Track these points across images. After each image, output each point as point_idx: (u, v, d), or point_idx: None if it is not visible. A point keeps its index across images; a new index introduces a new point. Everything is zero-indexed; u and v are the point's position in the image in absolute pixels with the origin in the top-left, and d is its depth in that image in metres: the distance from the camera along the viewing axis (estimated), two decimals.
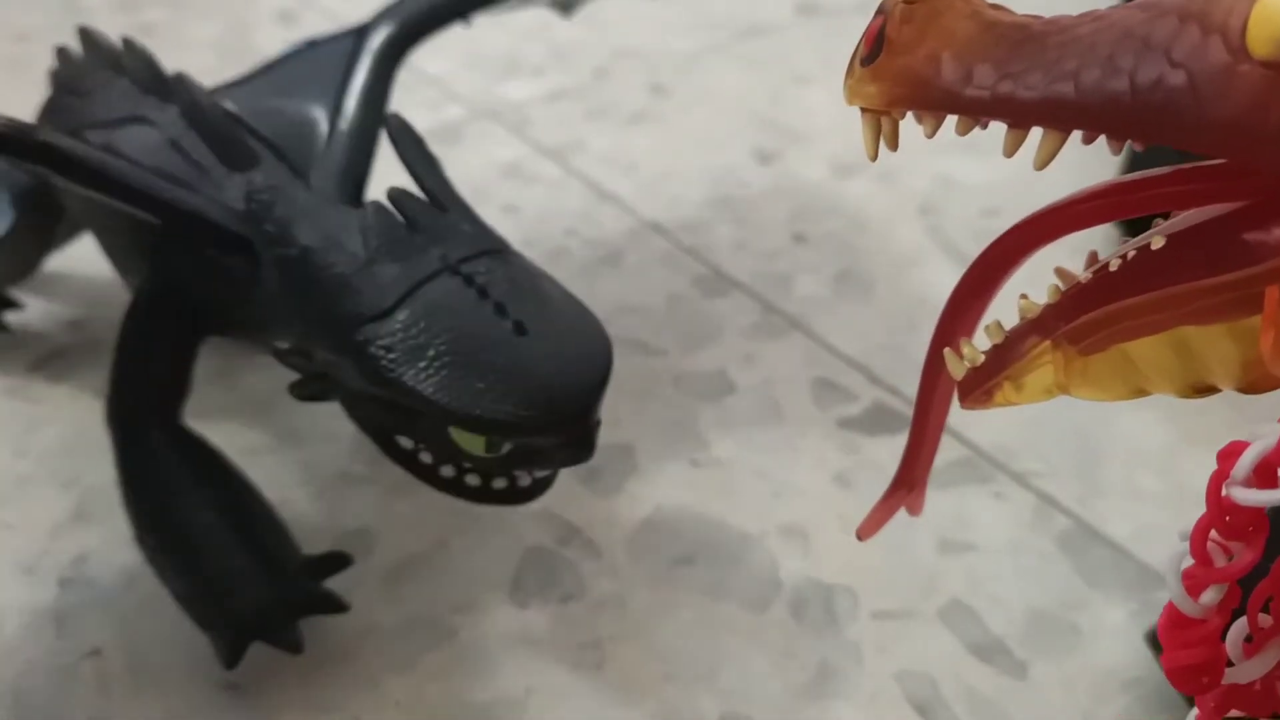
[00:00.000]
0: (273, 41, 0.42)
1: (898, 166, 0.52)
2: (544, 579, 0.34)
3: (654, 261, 0.47)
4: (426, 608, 0.33)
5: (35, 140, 0.28)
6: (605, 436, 0.39)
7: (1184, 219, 0.19)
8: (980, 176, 0.50)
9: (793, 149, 0.54)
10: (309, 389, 0.29)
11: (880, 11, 0.20)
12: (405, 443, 0.28)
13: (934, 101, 0.19)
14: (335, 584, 0.33)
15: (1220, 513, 0.19)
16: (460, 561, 0.34)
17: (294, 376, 0.29)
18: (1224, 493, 0.19)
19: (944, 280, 0.23)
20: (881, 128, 0.20)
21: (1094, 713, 0.30)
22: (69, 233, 0.41)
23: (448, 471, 0.28)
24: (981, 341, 0.22)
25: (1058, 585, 0.34)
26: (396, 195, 0.29)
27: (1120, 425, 0.39)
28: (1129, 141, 0.18)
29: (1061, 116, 0.18)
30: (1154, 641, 0.30)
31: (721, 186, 0.52)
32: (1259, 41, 0.16)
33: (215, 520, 0.30)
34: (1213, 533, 0.20)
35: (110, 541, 0.34)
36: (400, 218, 0.28)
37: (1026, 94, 0.18)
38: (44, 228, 0.40)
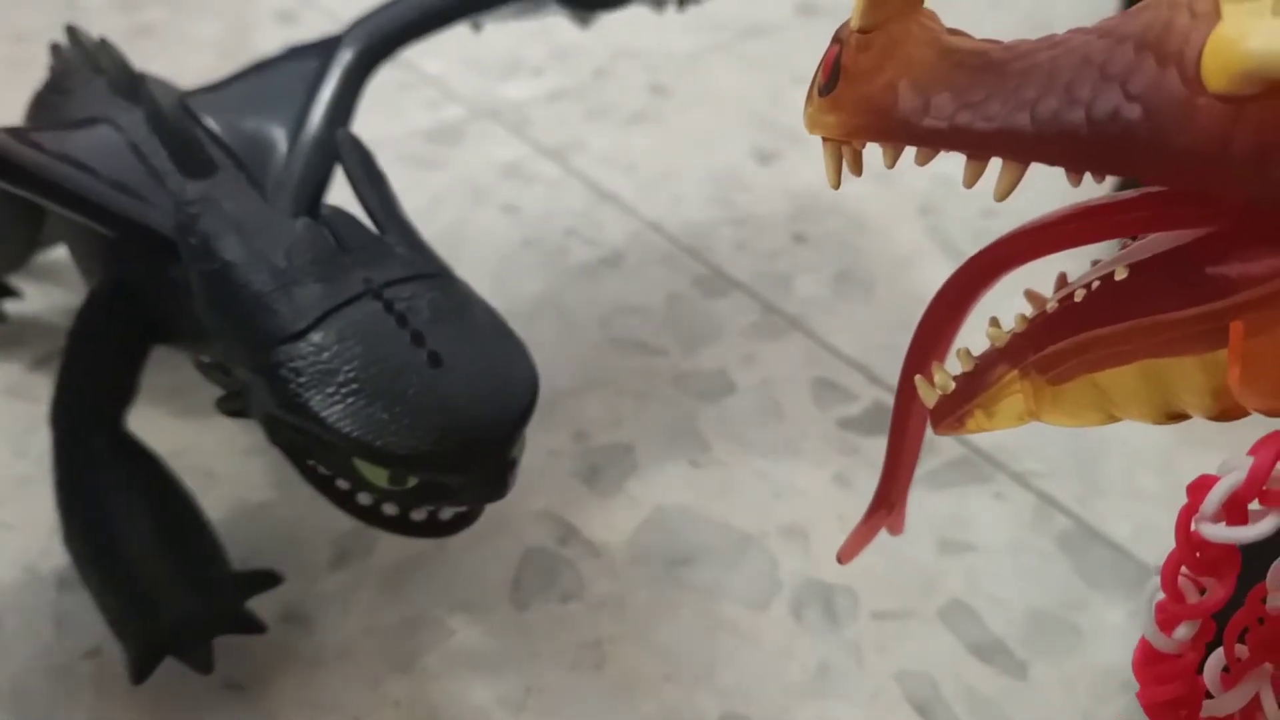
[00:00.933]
0: (273, 41, 0.42)
1: (897, 167, 0.52)
2: (544, 579, 0.34)
3: (654, 261, 0.47)
4: (426, 608, 0.33)
5: None
6: (605, 437, 0.39)
7: (1146, 245, 0.19)
8: (983, 178, 0.50)
9: (793, 149, 0.54)
10: (231, 405, 0.29)
11: (836, 40, 0.20)
12: (320, 468, 0.27)
13: (892, 132, 0.19)
14: (334, 583, 0.33)
15: (1191, 548, 0.19)
16: (460, 561, 0.34)
17: None
18: (1193, 528, 0.19)
19: (943, 280, 0.23)
20: (843, 156, 0.20)
21: (1094, 713, 0.30)
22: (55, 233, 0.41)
23: (364, 499, 0.28)
24: (954, 366, 0.22)
25: (1058, 585, 0.34)
26: (331, 213, 0.28)
27: (1120, 425, 0.39)
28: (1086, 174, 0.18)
29: (1019, 148, 0.18)
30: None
31: (721, 186, 0.52)
32: (1214, 74, 0.16)
33: (146, 531, 0.30)
34: (1183, 568, 0.20)
35: None
36: (331, 237, 0.28)
37: (984, 125, 0.18)
38: (32, 213, 0.39)
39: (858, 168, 0.20)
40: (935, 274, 0.45)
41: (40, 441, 0.38)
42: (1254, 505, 0.19)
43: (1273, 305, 0.17)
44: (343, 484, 0.27)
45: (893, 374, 0.41)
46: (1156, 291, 0.18)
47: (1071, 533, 0.35)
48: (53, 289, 0.44)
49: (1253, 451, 0.19)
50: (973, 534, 0.35)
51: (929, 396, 0.22)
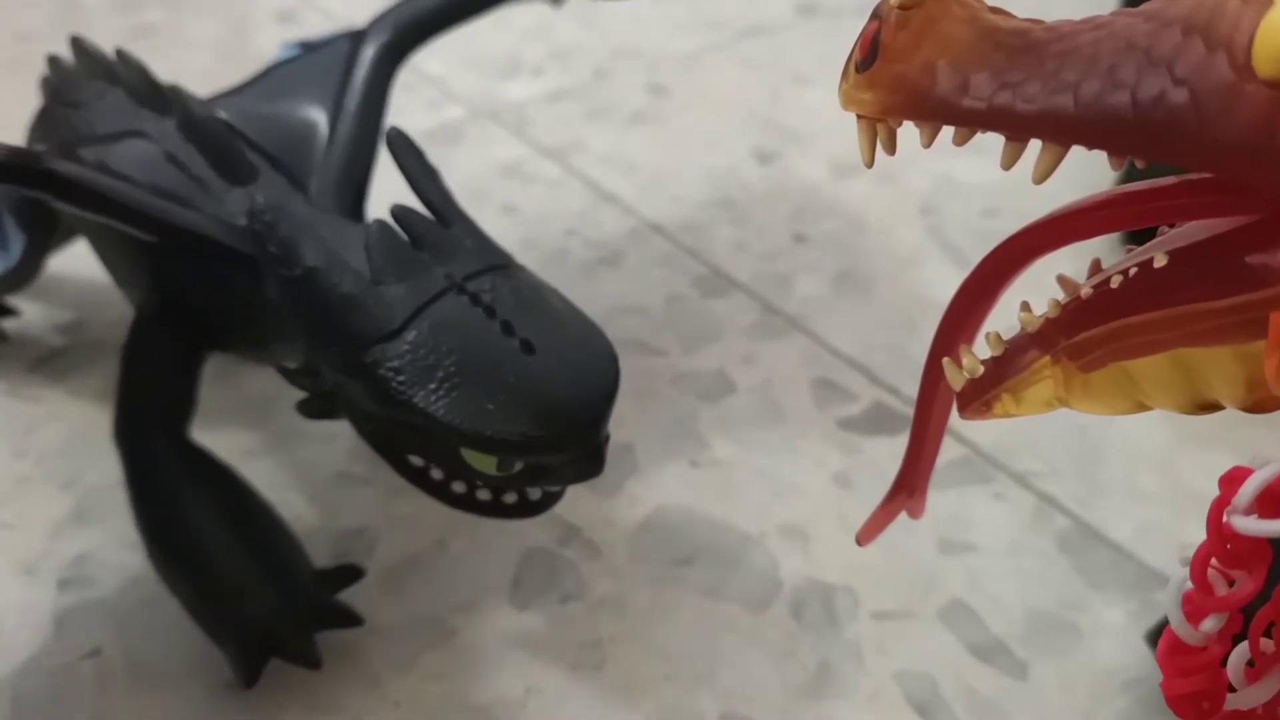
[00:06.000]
0: (272, 41, 0.42)
1: (898, 167, 0.52)
2: (544, 579, 0.34)
3: (654, 261, 0.47)
4: (426, 608, 0.33)
5: (38, 169, 0.28)
6: None
7: (1185, 233, 0.19)
8: (981, 177, 0.50)
9: (793, 149, 0.54)
10: (316, 407, 0.29)
11: (875, 16, 0.19)
12: (416, 460, 0.28)
13: (929, 111, 0.18)
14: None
15: (1221, 540, 0.19)
16: (460, 561, 0.34)
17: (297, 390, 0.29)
18: (1225, 520, 0.19)
19: (944, 280, 0.23)
20: (878, 134, 0.20)
21: (1094, 713, 0.30)
22: (65, 236, 0.41)
23: (459, 488, 0.28)
24: (981, 350, 0.22)
25: (1058, 585, 0.34)
26: (400, 212, 0.28)
27: (1120, 425, 0.39)
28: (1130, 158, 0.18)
29: (1060, 130, 0.17)
30: (1154, 641, 0.30)
31: (721, 186, 0.52)
32: (1265, 61, 0.16)
33: (226, 534, 0.30)
34: (1213, 560, 0.19)
35: (110, 541, 0.34)
36: (404, 235, 0.28)
37: (1024, 106, 0.17)
38: (46, 241, 0.40)
39: (891, 146, 0.20)
40: (935, 274, 0.46)
41: (40, 441, 0.38)
42: None
43: None
44: (436, 474, 0.28)
45: (893, 374, 0.42)
46: (1195, 280, 0.18)
47: (1071, 533, 0.35)
48: (53, 291, 0.44)
49: None
50: (973, 534, 0.35)
51: (956, 379, 0.22)
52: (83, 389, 0.40)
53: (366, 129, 0.34)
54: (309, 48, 0.38)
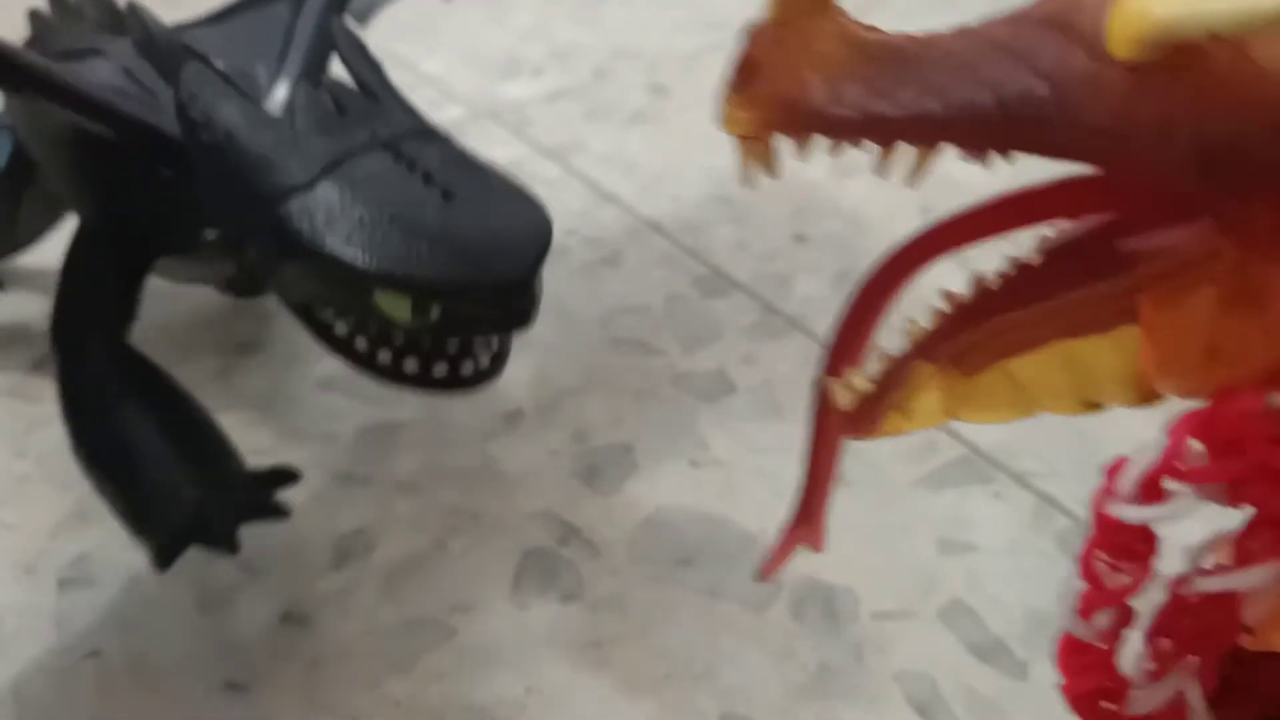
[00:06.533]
0: None
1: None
2: (544, 579, 0.34)
3: (654, 261, 0.47)
4: (426, 608, 0.33)
5: None
6: (605, 436, 0.39)
7: (1062, 232, 0.19)
8: (981, 176, 0.50)
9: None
10: (239, 284, 0.29)
11: (749, 36, 0.20)
12: (341, 329, 0.28)
13: (804, 124, 0.19)
14: (334, 583, 0.33)
15: (1107, 532, 0.19)
16: (460, 561, 0.34)
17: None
18: (1107, 510, 0.19)
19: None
20: (758, 153, 0.20)
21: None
22: (48, 217, 0.41)
23: (384, 357, 0.28)
24: (871, 369, 0.22)
25: (1058, 585, 0.34)
26: (328, 83, 0.28)
27: (1121, 425, 0.39)
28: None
29: (931, 133, 0.18)
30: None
31: (721, 186, 0.52)
32: (1120, 42, 0.16)
33: (155, 431, 0.30)
34: (1099, 553, 0.19)
35: (110, 541, 0.34)
36: (330, 101, 0.28)
37: (895, 112, 0.18)
38: (13, 192, 0.40)
39: (771, 164, 0.20)
40: (936, 274, 0.46)
41: (40, 441, 0.38)
42: (1171, 485, 0.19)
43: (1177, 277, 0.17)
44: (361, 343, 0.28)
45: None
46: (1068, 272, 0.19)
47: (1071, 533, 0.35)
48: (53, 289, 0.44)
49: (1168, 430, 0.19)
50: (973, 534, 0.35)
51: (844, 399, 0.22)
52: None
53: (314, 60, 0.33)
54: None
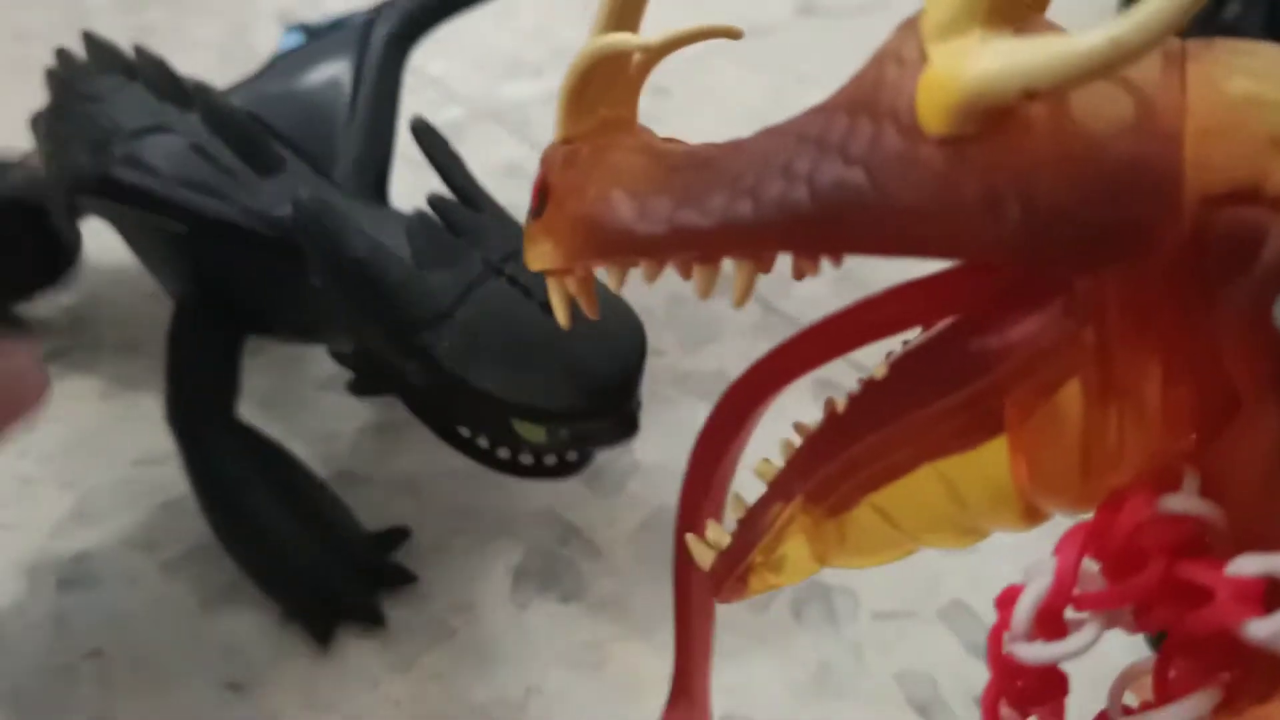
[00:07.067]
0: (273, 42, 0.42)
1: None
2: (544, 579, 0.34)
3: None
4: (426, 608, 0.33)
5: (100, 177, 0.31)
6: None
7: (909, 342, 0.17)
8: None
9: None
10: (366, 385, 0.31)
11: (543, 161, 0.18)
12: (463, 430, 0.30)
13: (611, 246, 0.17)
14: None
15: (1008, 676, 0.17)
16: (460, 561, 0.34)
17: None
18: (1005, 651, 0.17)
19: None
20: (575, 288, 0.18)
21: (1094, 712, 0.30)
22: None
23: (504, 454, 0.31)
24: (729, 522, 0.19)
25: None
26: (435, 200, 0.30)
27: None
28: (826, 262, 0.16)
29: (746, 240, 0.16)
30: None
31: None
32: (930, 115, 0.14)
33: (283, 509, 0.32)
34: (1002, 702, 0.17)
35: (110, 541, 0.34)
36: (440, 222, 0.29)
37: (706, 221, 0.16)
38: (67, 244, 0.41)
39: (590, 300, 0.18)
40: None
41: (40, 441, 0.38)
42: (1073, 614, 0.17)
43: (1037, 373, 0.15)
44: (483, 442, 0.30)
45: None
46: (918, 385, 0.16)
47: None
48: (50, 295, 0.44)
49: (1056, 551, 0.16)
50: None
51: (704, 556, 0.20)
52: (83, 389, 0.40)
53: (384, 113, 0.35)
54: (311, 32, 0.38)
